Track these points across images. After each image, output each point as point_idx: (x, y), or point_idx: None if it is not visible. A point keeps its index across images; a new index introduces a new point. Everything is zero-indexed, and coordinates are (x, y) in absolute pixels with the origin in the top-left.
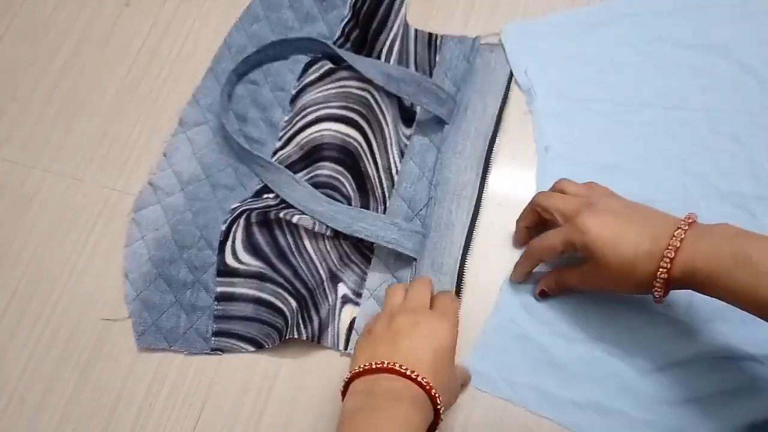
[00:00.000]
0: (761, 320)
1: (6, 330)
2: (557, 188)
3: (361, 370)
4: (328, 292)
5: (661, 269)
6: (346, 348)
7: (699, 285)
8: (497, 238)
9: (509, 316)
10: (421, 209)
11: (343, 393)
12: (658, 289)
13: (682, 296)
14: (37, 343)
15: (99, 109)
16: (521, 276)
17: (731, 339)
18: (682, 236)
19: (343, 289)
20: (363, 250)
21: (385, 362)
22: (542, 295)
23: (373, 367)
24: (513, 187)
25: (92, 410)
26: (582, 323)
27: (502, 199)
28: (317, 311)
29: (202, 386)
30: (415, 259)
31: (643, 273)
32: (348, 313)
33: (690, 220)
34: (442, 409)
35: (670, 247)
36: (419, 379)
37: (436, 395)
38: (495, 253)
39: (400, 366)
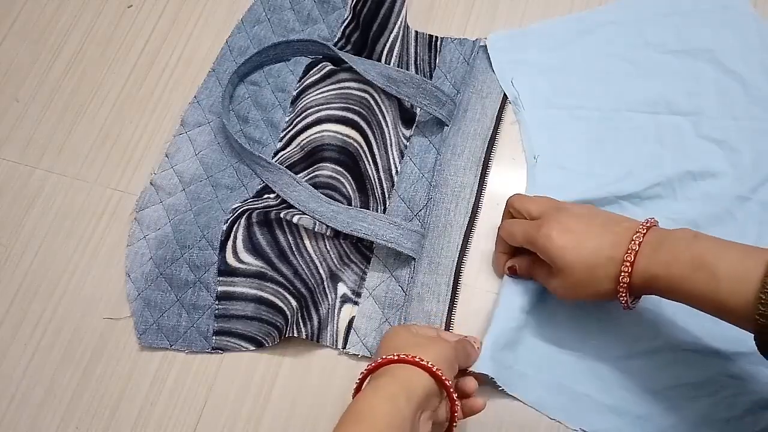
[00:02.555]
0: None
1: (8, 329)
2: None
3: (357, 382)
4: (327, 291)
5: (622, 273)
6: (344, 347)
7: (661, 291)
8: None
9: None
10: (420, 210)
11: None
12: (623, 295)
13: None
14: (39, 343)
15: (101, 110)
16: (499, 258)
17: (699, 333)
18: (641, 240)
19: (342, 289)
20: (363, 250)
21: (366, 368)
22: (511, 272)
23: (360, 376)
24: (512, 188)
25: (94, 409)
26: (550, 306)
27: (501, 199)
28: (317, 310)
29: (203, 385)
30: (414, 259)
31: (606, 278)
32: (347, 312)
33: (648, 225)
34: (435, 366)
35: (629, 252)
36: (394, 356)
37: (415, 357)
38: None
39: (379, 359)
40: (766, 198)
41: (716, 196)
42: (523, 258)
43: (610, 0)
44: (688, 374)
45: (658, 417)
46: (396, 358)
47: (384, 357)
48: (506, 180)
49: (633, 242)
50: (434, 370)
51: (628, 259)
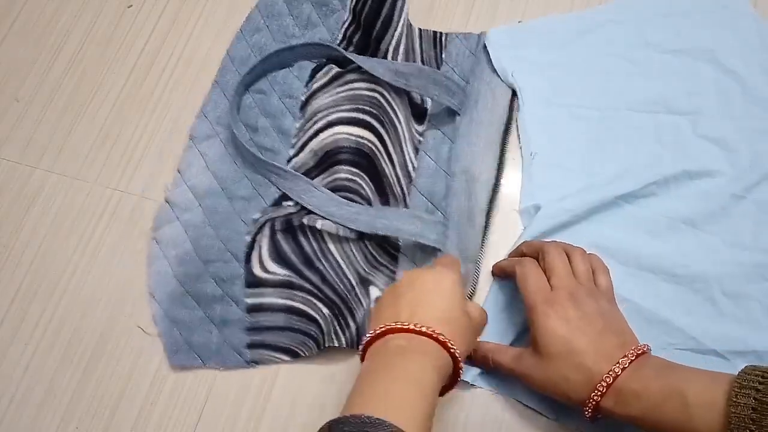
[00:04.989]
0: (728, 315)
1: (8, 329)
2: (569, 252)
3: (369, 337)
4: (361, 296)
5: (596, 391)
6: None
7: (631, 417)
8: (505, 239)
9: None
10: (441, 201)
11: (362, 360)
12: (588, 410)
13: (648, 287)
14: (39, 343)
15: (101, 110)
16: (498, 268)
17: (694, 333)
18: (626, 366)
19: (375, 292)
20: (389, 250)
21: (389, 324)
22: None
23: (378, 332)
24: (512, 187)
25: (94, 409)
26: None
27: (505, 199)
28: (353, 317)
29: (203, 385)
30: (440, 250)
31: (577, 384)
32: None
33: (639, 352)
34: (458, 351)
35: (609, 373)
36: (420, 328)
37: (444, 339)
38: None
39: (402, 323)
40: (762, 197)
41: (712, 194)
42: (483, 349)
43: None
44: None
45: None
46: (442, 340)
47: (434, 332)
48: (505, 180)
49: (618, 365)
50: (454, 352)
51: (607, 380)
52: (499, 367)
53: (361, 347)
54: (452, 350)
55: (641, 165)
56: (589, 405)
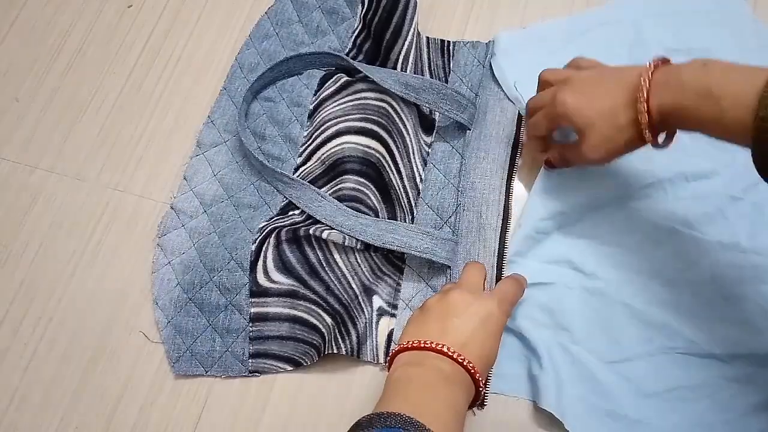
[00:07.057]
0: (726, 317)
1: (8, 329)
2: (541, 78)
3: (410, 345)
4: (363, 305)
5: (639, 112)
6: (385, 361)
7: (676, 123)
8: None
9: None
10: (450, 216)
11: (390, 363)
12: (645, 131)
13: (645, 290)
14: (39, 343)
15: (101, 110)
16: (532, 145)
17: (695, 336)
18: (649, 78)
19: (378, 302)
20: (394, 261)
21: (434, 343)
22: (548, 164)
23: (422, 345)
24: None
25: (94, 409)
26: (549, 312)
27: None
28: (354, 325)
29: (203, 385)
30: (449, 267)
31: (628, 125)
32: (385, 325)
33: (655, 64)
34: (483, 391)
35: (640, 90)
36: (466, 363)
37: (480, 379)
38: None
39: (449, 349)
40: (759, 199)
41: (708, 195)
42: (554, 149)
43: (609, 0)
44: (684, 377)
45: (655, 420)
46: (477, 378)
47: (474, 368)
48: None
49: (643, 82)
50: (482, 392)
51: (642, 97)
52: (566, 160)
53: (388, 356)
54: (481, 389)
55: (636, 167)
56: (643, 125)
